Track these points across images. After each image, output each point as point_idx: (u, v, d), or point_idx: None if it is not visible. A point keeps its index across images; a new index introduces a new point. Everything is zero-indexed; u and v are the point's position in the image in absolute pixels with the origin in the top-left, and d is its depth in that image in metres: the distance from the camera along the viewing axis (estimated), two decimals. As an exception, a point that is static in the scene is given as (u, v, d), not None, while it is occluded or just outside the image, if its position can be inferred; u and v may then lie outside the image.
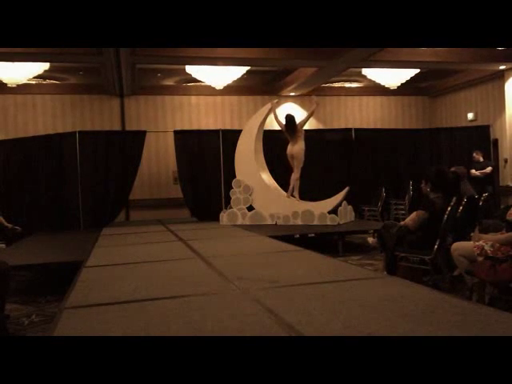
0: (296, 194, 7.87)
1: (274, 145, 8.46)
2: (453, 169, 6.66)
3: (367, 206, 9.23)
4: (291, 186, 7.88)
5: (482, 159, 9.04)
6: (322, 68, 9.09)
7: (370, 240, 5.59)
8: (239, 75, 9.09)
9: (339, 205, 7.59)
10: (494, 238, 3.69)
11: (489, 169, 8.89)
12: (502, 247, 3.55)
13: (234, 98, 11.32)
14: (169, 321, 2.31)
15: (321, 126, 11.55)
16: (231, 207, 8.11)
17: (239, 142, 8.27)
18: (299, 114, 11.48)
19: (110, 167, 8.77)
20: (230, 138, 8.87)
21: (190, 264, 4.02)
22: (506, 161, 9.97)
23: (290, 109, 10.67)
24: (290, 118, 7.79)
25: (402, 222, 4.76)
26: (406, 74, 9.58)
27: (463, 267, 3.83)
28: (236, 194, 8.11)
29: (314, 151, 9.28)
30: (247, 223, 7.83)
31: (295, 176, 7.82)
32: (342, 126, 11.27)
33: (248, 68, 9.01)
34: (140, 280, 3.36)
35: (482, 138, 9.90)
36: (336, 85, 11.44)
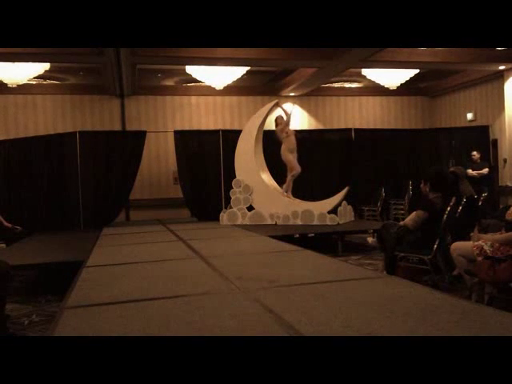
0: (289, 192, 8.03)
1: (273, 145, 8.46)
2: (452, 169, 6.68)
3: (367, 205, 9.23)
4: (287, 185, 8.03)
5: (479, 160, 9.04)
6: (322, 68, 9.09)
7: (370, 240, 5.59)
8: (239, 75, 9.08)
9: (339, 205, 7.60)
10: (494, 237, 3.69)
11: (485, 170, 8.88)
12: (502, 247, 3.55)
13: (234, 99, 11.32)
14: (169, 321, 2.32)
15: (321, 126, 11.55)
16: (231, 207, 8.11)
17: (239, 142, 8.28)
18: (298, 114, 11.53)
19: (110, 167, 8.77)
20: (230, 138, 8.87)
21: (190, 264, 4.02)
22: (505, 161, 9.97)
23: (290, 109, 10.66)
24: None
25: (402, 222, 4.77)
26: (405, 75, 9.58)
27: (462, 267, 3.84)
28: (236, 193, 8.11)
29: (314, 151, 9.31)
30: (247, 223, 7.83)
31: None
32: (342, 126, 11.27)
33: (248, 68, 9.01)
34: (140, 280, 3.37)
35: (482, 138, 9.91)
36: (336, 85, 11.44)
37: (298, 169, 7.92)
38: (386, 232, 4.72)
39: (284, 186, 8.02)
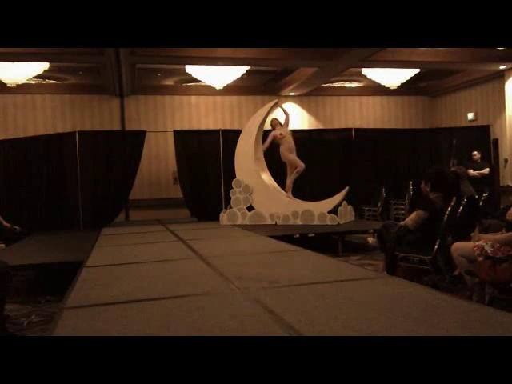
0: (289, 191, 8.06)
1: (274, 145, 8.46)
2: (453, 169, 6.68)
3: (367, 205, 9.23)
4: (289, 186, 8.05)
5: (480, 160, 9.05)
6: (322, 68, 9.09)
7: (370, 240, 5.60)
8: (239, 75, 9.08)
9: (339, 205, 7.59)
10: (494, 237, 3.69)
11: (486, 170, 8.89)
12: (502, 247, 3.55)
13: (234, 98, 11.32)
14: (169, 321, 2.31)
15: (321, 126, 11.55)
16: (231, 207, 8.11)
17: (239, 142, 8.27)
18: (298, 113, 11.53)
19: (109, 167, 8.76)
20: (230, 137, 8.87)
21: (190, 264, 4.02)
22: (505, 161, 9.97)
23: (290, 109, 10.67)
24: None
25: (402, 222, 4.76)
26: (405, 74, 9.58)
27: (463, 267, 3.83)
28: (236, 193, 8.11)
29: (314, 151, 9.30)
30: (247, 223, 7.83)
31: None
32: (342, 126, 11.27)
33: (248, 68, 9.01)
34: (140, 280, 3.36)
35: (482, 138, 9.90)
36: (336, 85, 11.43)
37: (301, 165, 7.92)
38: (386, 232, 4.71)
39: (287, 183, 8.02)
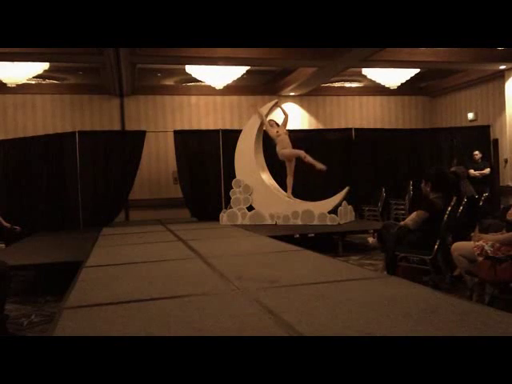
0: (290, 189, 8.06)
1: (274, 145, 8.46)
2: (453, 169, 6.69)
3: (367, 205, 9.23)
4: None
5: (480, 160, 9.06)
6: (322, 68, 9.09)
7: (370, 240, 5.59)
8: (239, 75, 9.08)
9: (339, 205, 7.59)
10: (494, 237, 3.69)
11: (487, 170, 8.90)
12: (502, 247, 3.55)
13: (234, 98, 11.32)
14: (169, 321, 2.31)
15: (321, 126, 11.55)
16: (231, 207, 8.11)
17: (239, 142, 8.27)
18: (298, 113, 11.53)
19: (109, 167, 8.77)
20: (230, 137, 8.87)
21: (190, 264, 4.02)
22: (505, 161, 9.97)
23: (290, 109, 10.67)
24: None
25: (402, 222, 4.76)
26: (406, 74, 9.58)
27: (463, 267, 3.84)
28: (236, 193, 8.11)
29: (314, 151, 9.28)
30: (247, 223, 7.83)
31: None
32: (342, 125, 11.26)
33: (248, 68, 9.01)
34: (140, 280, 3.36)
35: (482, 138, 9.90)
36: (336, 85, 11.43)
37: (300, 152, 7.81)
38: (386, 232, 4.72)
39: (288, 182, 7.98)
